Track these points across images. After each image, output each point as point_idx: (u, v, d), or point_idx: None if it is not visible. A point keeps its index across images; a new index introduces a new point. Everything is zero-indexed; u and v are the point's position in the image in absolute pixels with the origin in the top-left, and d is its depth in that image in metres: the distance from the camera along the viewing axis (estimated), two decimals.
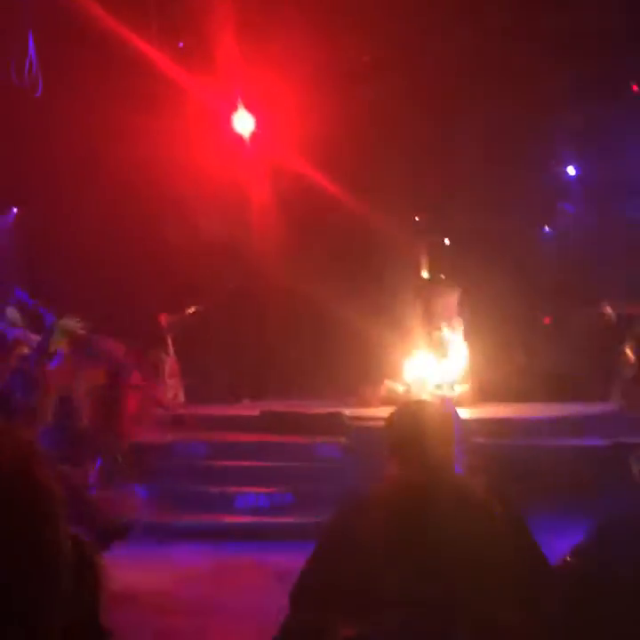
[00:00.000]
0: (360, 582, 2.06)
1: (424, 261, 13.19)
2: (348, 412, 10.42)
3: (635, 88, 13.37)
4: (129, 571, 6.17)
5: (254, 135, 13.38)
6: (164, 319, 12.92)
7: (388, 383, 11.82)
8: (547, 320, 15.36)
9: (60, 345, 8.78)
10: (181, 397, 12.88)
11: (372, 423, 8.98)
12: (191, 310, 13.20)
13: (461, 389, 11.32)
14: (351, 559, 2.11)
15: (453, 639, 1.66)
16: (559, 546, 3.28)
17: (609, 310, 11.17)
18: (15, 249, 13.68)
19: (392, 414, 2.65)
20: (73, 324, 9.07)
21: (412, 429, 2.48)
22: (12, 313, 10.04)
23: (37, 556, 0.88)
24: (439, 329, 12.02)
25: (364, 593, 1.95)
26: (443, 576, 1.63)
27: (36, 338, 9.54)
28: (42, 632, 0.88)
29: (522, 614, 1.80)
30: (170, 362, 12.83)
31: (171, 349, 12.86)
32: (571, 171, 16.23)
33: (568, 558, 3.19)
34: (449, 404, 3.35)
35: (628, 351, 11.08)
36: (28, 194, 13.27)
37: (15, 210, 14.04)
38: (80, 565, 1.02)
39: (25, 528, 0.87)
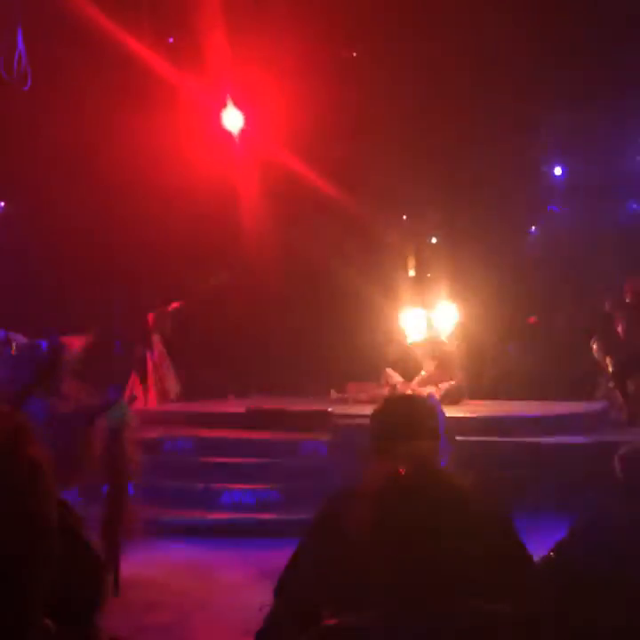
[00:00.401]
0: (344, 574, 2.09)
1: (411, 259, 13.24)
2: (333, 409, 10.46)
3: None
4: None
5: (243, 131, 13.38)
6: (151, 317, 12.92)
7: (388, 371, 11.93)
8: (532, 319, 15.44)
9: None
10: (173, 392, 12.90)
11: (357, 420, 9.01)
12: (174, 306, 13.18)
13: (447, 386, 11.39)
14: (336, 552, 2.14)
15: (437, 630, 1.69)
16: (542, 542, 3.33)
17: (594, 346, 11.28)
18: (1, 243, 13.64)
19: (378, 408, 2.68)
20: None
21: (397, 423, 2.51)
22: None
23: (27, 526, 0.92)
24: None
25: (348, 585, 1.97)
26: (427, 567, 1.66)
27: None
28: (32, 594, 0.92)
29: (505, 606, 1.83)
30: (155, 358, 12.83)
31: (157, 346, 12.86)
32: (557, 171, 16.32)
33: (551, 554, 3.25)
34: (434, 400, 3.39)
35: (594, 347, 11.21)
36: (16, 189, 13.23)
37: (2, 203, 13.99)
38: (69, 536, 1.06)
39: (14, 500, 0.90)
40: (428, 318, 12.28)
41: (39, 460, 1.01)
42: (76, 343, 9.92)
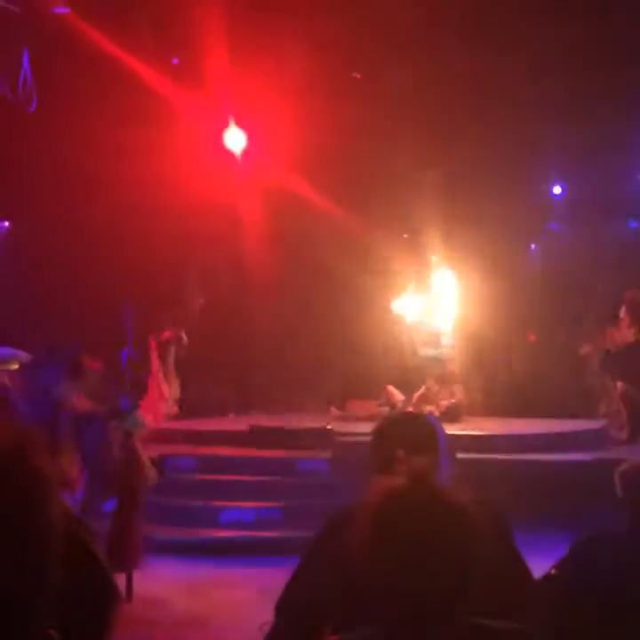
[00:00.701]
0: (345, 591, 2.10)
1: (412, 282, 13.27)
2: (333, 426, 10.47)
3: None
4: None
5: (246, 151, 13.46)
6: (152, 339, 12.97)
7: (389, 388, 11.95)
8: (531, 337, 15.47)
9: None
10: (170, 411, 12.93)
11: (357, 438, 9.01)
12: (173, 328, 13.19)
13: (447, 403, 11.40)
14: (337, 568, 2.15)
15: None
16: (543, 559, 3.34)
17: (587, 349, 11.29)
18: (4, 261, 13.69)
19: (378, 425, 2.70)
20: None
21: (398, 439, 2.53)
22: None
23: (31, 535, 0.93)
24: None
25: (349, 601, 1.99)
26: (427, 582, 1.67)
27: None
28: (34, 604, 0.94)
29: (505, 622, 1.84)
30: (154, 380, 12.89)
31: (156, 368, 12.91)
32: (557, 190, 16.39)
33: (552, 571, 3.25)
34: (433, 418, 3.41)
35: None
36: (20, 208, 13.28)
37: (7, 223, 14.04)
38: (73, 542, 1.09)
39: (18, 511, 0.92)
40: (428, 331, 12.32)
41: (45, 471, 1.02)
42: (95, 365, 10.18)
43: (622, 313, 11.08)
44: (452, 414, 10.97)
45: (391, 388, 12.00)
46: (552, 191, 16.38)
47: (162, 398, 12.81)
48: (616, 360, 11.05)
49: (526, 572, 2.66)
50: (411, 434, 2.57)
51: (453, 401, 11.54)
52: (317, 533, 2.64)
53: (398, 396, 11.89)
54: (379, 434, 2.67)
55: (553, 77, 13.04)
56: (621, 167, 15.21)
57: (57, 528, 1.00)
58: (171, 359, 13.05)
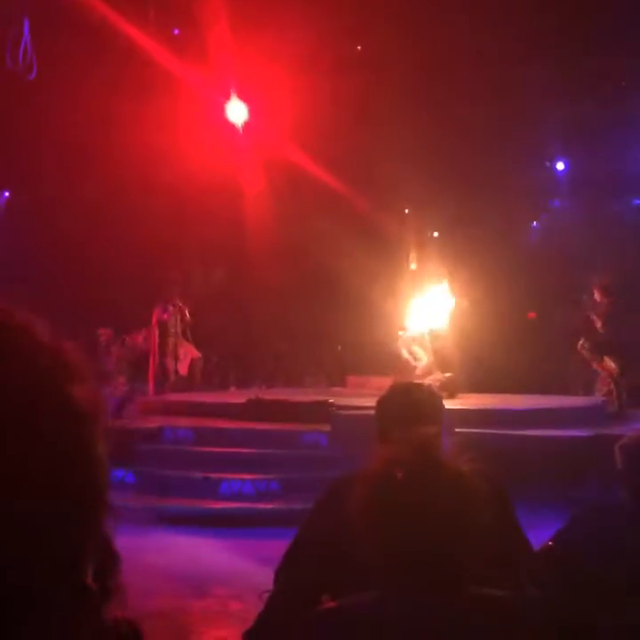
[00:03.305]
0: (344, 558, 2.12)
1: (412, 253, 13.24)
2: (333, 399, 10.50)
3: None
4: None
5: (247, 124, 13.39)
6: (155, 315, 12.97)
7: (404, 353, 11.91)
8: (531, 315, 15.47)
9: None
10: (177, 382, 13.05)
11: (356, 411, 9.05)
12: (176, 306, 13.17)
13: (443, 379, 11.41)
14: (336, 536, 2.17)
15: (436, 612, 1.71)
16: (541, 533, 3.36)
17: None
18: (4, 232, 13.66)
19: (383, 395, 2.71)
20: None
21: (401, 409, 2.54)
22: None
23: (72, 494, 0.73)
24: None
25: (348, 569, 2.00)
26: (426, 550, 1.68)
27: None
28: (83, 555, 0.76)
29: (505, 591, 1.85)
30: (153, 354, 12.94)
31: (155, 342, 12.94)
32: (560, 166, 16.33)
33: (550, 543, 3.28)
34: (434, 389, 3.41)
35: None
36: (20, 178, 13.24)
37: (7, 193, 13.99)
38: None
39: (53, 464, 0.71)
40: (427, 310, 12.30)
41: (86, 407, 0.74)
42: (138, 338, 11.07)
43: (598, 297, 11.04)
44: (448, 389, 10.99)
45: (405, 353, 11.91)
46: (555, 167, 16.31)
47: (163, 371, 12.85)
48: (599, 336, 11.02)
49: (526, 543, 2.68)
50: (415, 404, 2.58)
51: (449, 375, 11.56)
52: (318, 501, 2.66)
53: (413, 361, 11.83)
54: (383, 403, 2.68)
55: (555, 55, 12.95)
56: (625, 145, 15.14)
57: (106, 467, 0.77)
58: (174, 334, 13.04)
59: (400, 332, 12.10)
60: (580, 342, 11.13)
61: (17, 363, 0.71)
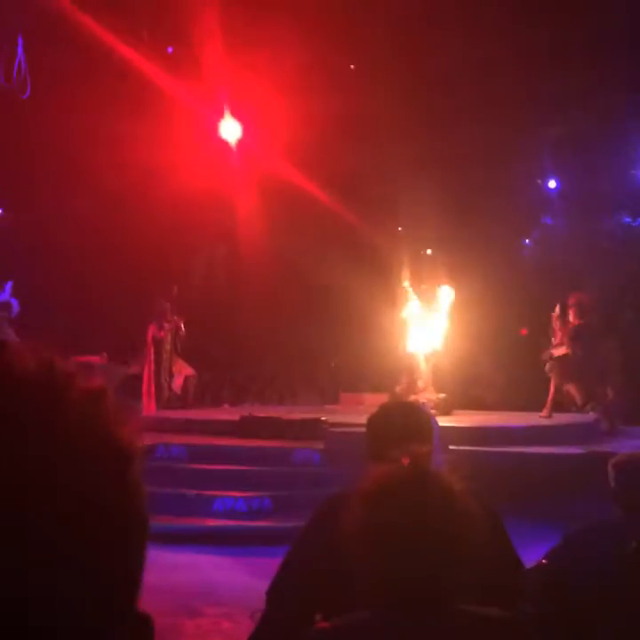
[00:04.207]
0: (336, 577, 2.11)
1: (405, 270, 13.27)
2: (326, 417, 10.50)
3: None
4: None
5: (241, 142, 13.44)
6: (150, 332, 12.96)
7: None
8: (523, 331, 15.50)
9: None
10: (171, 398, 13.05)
11: (349, 429, 9.04)
12: (173, 320, 13.16)
13: (438, 398, 11.42)
14: (328, 555, 2.16)
15: (426, 630, 1.71)
16: (534, 550, 3.36)
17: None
18: None
19: (374, 413, 2.71)
20: None
21: (393, 427, 2.54)
22: None
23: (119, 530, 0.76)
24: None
25: (340, 588, 2.00)
26: (417, 569, 1.68)
27: None
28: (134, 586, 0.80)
29: (494, 609, 1.85)
30: (148, 371, 12.92)
31: (150, 358, 12.93)
32: (551, 184, 16.42)
33: (544, 561, 3.28)
34: (427, 408, 3.40)
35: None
36: (14, 195, 13.25)
37: (1, 210, 14.00)
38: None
39: (107, 499, 0.76)
40: (421, 328, 12.32)
41: (134, 449, 0.80)
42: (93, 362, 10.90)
43: (571, 317, 11.03)
44: (443, 408, 11.02)
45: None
46: (547, 185, 16.40)
47: (158, 389, 12.84)
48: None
49: (518, 562, 2.68)
50: (406, 422, 2.58)
51: (444, 395, 11.59)
52: (310, 519, 2.65)
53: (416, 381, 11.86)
54: (374, 422, 2.69)
55: (547, 72, 13.06)
56: (616, 163, 15.24)
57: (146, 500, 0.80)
58: (169, 350, 13.04)
59: (403, 348, 12.14)
60: (548, 365, 11.13)
61: (71, 412, 0.76)
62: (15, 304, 11.65)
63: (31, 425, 0.74)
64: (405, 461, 1.75)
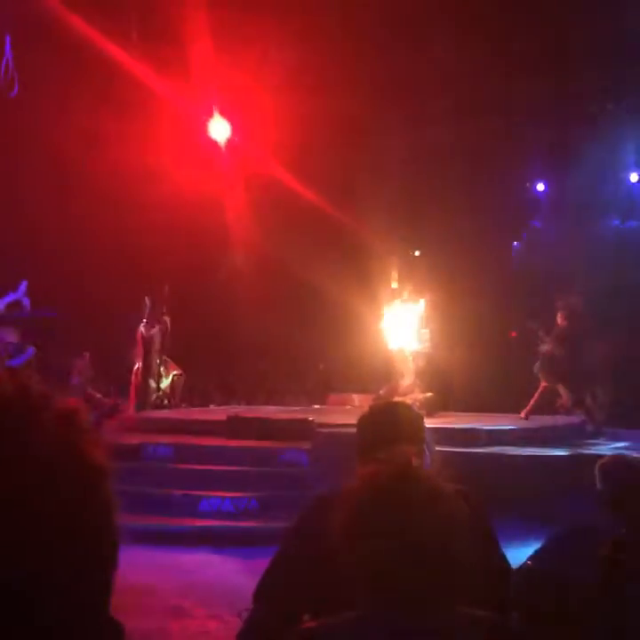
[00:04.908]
0: (323, 577, 2.11)
1: (394, 273, 13.30)
2: (314, 418, 10.50)
3: None
4: None
5: (230, 141, 13.43)
6: (140, 332, 12.94)
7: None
8: (513, 334, 15.54)
9: None
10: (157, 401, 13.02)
11: (337, 429, 9.04)
12: (163, 321, 13.14)
13: (424, 398, 11.44)
14: (315, 555, 2.16)
15: (413, 631, 1.71)
16: (520, 551, 3.37)
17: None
18: None
19: (364, 414, 2.71)
20: None
21: (382, 428, 2.54)
22: None
23: (91, 542, 0.82)
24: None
25: (327, 587, 2.00)
26: (403, 568, 1.68)
27: None
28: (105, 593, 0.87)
29: (481, 611, 1.86)
30: (136, 371, 12.91)
31: (139, 359, 12.91)
32: (540, 187, 16.47)
33: (529, 562, 3.29)
34: (416, 409, 3.43)
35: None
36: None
37: None
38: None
39: (79, 515, 0.81)
40: (408, 329, 12.35)
41: (106, 467, 0.86)
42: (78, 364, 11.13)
43: (559, 319, 11.09)
44: (429, 408, 11.02)
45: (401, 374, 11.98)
46: (536, 188, 16.45)
47: (145, 388, 12.81)
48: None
49: (505, 563, 2.69)
50: (395, 423, 2.58)
51: (430, 395, 11.60)
52: (297, 519, 2.65)
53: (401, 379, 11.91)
54: (363, 422, 2.69)
55: (537, 77, 13.10)
56: (605, 166, 15.30)
57: (115, 525, 0.89)
58: (157, 351, 13.02)
59: (391, 348, 12.18)
60: (536, 365, 11.17)
61: (45, 433, 0.82)
62: (27, 304, 11.81)
63: (5, 444, 0.79)
64: (392, 463, 1.76)
